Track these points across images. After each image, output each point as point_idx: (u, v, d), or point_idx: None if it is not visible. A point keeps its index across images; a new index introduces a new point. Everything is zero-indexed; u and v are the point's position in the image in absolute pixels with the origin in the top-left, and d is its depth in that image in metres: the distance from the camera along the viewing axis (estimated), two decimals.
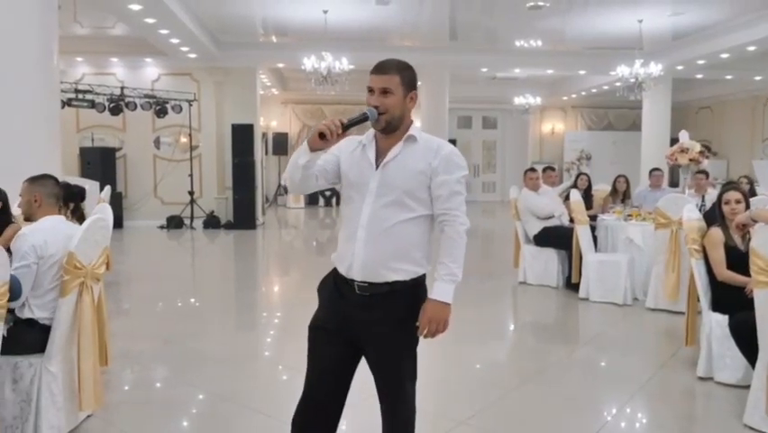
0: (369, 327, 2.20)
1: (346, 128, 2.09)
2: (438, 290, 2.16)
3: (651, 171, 8.14)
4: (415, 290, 2.21)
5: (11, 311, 2.93)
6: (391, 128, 2.19)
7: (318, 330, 2.29)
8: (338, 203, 16.79)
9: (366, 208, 2.17)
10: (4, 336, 2.76)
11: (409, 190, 2.16)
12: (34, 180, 3.32)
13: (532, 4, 9.38)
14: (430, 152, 2.19)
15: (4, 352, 2.82)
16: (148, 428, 3.39)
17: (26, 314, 3.07)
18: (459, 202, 2.20)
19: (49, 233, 3.11)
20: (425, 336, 2.17)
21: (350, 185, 2.24)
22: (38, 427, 3.02)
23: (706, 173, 7.45)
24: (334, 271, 2.30)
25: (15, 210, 3.73)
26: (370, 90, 2.17)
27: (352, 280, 2.19)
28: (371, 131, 2.25)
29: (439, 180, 2.16)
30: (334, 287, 2.28)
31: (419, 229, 2.20)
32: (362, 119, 2.14)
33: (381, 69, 2.18)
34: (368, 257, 2.16)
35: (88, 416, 3.41)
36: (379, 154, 2.21)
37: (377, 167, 2.19)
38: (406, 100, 2.19)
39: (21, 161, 4.87)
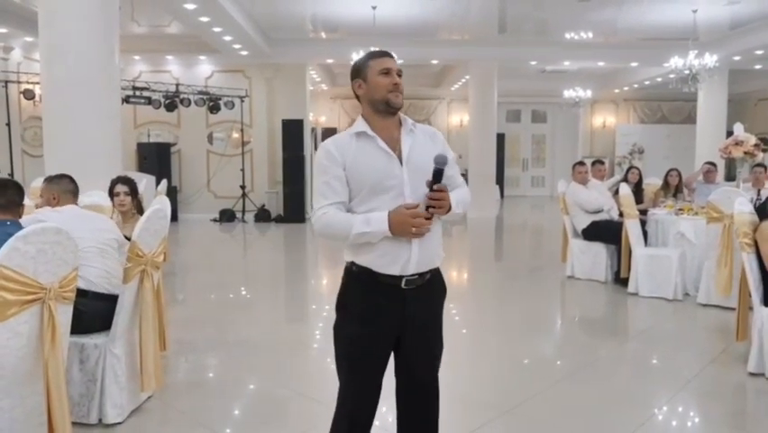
0: (414, 319, 2.18)
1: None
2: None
3: (704, 165, 7.94)
4: (441, 273, 2.29)
5: None
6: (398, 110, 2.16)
7: (362, 341, 2.19)
8: None
9: (410, 200, 2.10)
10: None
11: None
12: (51, 180, 3.64)
13: None
14: (431, 136, 2.26)
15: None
16: (205, 410, 3.55)
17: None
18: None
19: (59, 212, 3.39)
20: (432, 206, 2.07)
21: (379, 181, 2.11)
22: (102, 405, 3.22)
23: (764, 167, 7.27)
24: (369, 276, 2.16)
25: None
26: (387, 72, 2.12)
27: (401, 277, 2.13)
28: (358, 124, 2.17)
29: (449, 162, 2.21)
30: (376, 294, 2.17)
31: None
32: (440, 175, 2.07)
33: (389, 54, 2.16)
34: (423, 248, 2.14)
35: (149, 397, 3.60)
36: (389, 145, 2.15)
37: (399, 158, 2.14)
38: None
39: (87, 159, 5.14)
